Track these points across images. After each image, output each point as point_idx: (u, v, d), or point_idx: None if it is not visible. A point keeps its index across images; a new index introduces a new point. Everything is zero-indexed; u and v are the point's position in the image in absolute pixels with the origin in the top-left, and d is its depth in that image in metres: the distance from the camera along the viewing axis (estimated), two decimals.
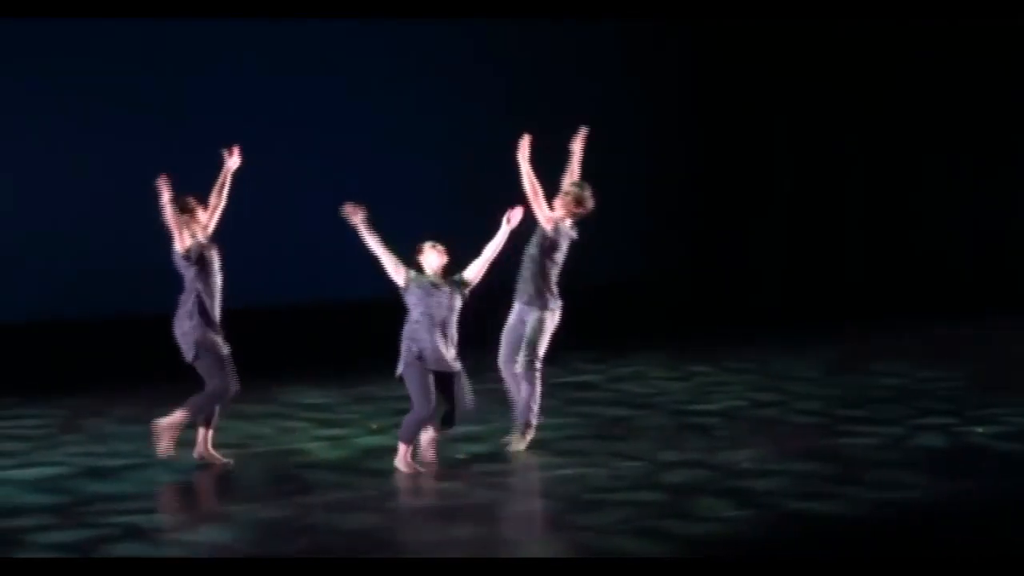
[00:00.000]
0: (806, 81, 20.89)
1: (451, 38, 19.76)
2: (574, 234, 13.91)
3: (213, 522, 11.76)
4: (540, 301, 13.76)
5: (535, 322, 13.80)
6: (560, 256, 13.80)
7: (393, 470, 12.97)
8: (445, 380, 13.19)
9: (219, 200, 13.57)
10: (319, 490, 12.51)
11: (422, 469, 12.87)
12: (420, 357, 13.20)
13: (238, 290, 16.18)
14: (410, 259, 13.26)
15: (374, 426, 14.66)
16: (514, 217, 13.29)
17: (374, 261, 13.45)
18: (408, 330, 13.44)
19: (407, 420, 13.12)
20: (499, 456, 13.54)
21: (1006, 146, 21.84)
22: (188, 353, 13.27)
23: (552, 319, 13.84)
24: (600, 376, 16.86)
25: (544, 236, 13.75)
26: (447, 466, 13.13)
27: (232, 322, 15.38)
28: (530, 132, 13.73)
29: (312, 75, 19.19)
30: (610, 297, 19.71)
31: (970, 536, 11.27)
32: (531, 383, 13.81)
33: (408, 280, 13.45)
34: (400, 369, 13.27)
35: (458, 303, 13.39)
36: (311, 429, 14.58)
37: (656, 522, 11.52)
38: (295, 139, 18.91)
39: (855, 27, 20.64)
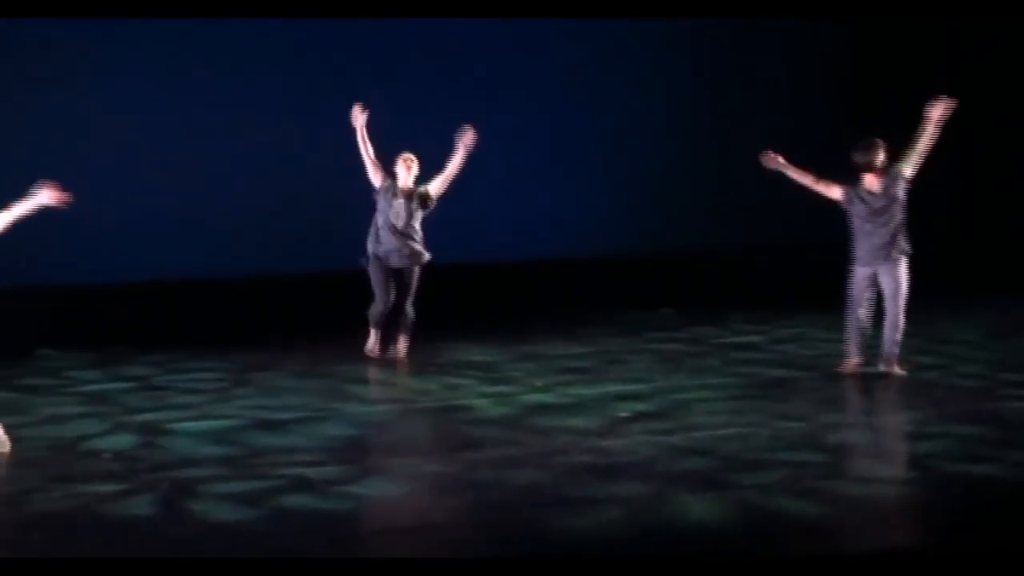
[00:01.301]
0: (964, 78, 20.73)
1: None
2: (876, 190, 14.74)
3: (381, 475, 11.87)
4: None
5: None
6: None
7: (557, 428, 13.05)
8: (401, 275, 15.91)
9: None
10: (485, 446, 12.58)
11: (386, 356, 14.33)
12: (378, 256, 15.79)
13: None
14: None
15: (538, 384, 14.70)
16: (468, 139, 15.90)
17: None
18: (372, 231, 15.95)
19: (370, 310, 15.77)
20: (661, 415, 13.56)
21: None
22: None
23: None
24: (762, 337, 16.83)
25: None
26: (610, 424, 13.17)
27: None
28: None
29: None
30: (775, 258, 19.67)
31: None
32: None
33: (382, 186, 15.95)
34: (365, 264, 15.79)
35: (418, 212, 15.95)
36: (477, 386, 14.64)
37: (816, 483, 11.51)
38: (488, 111, 18.95)
39: None
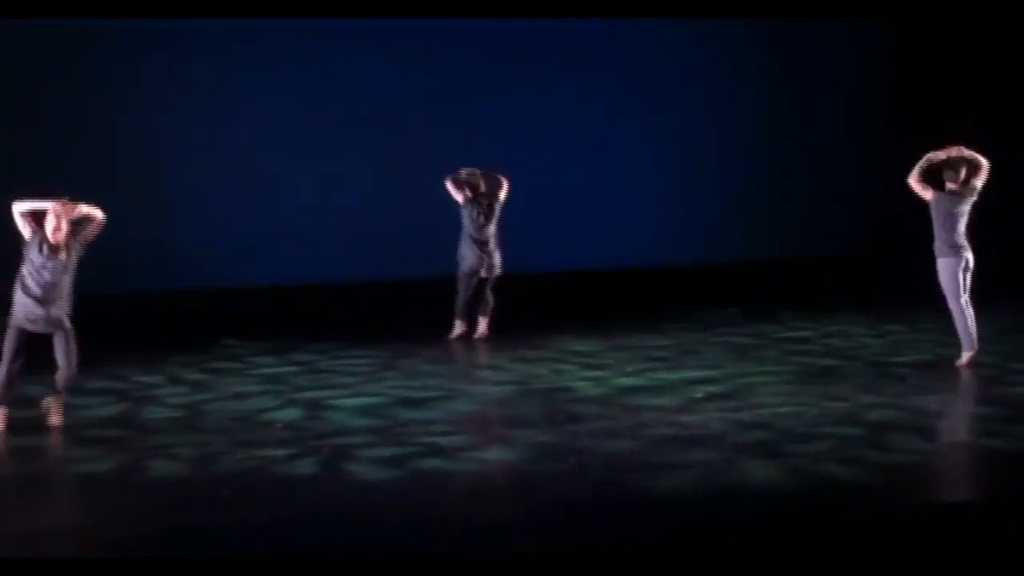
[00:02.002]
0: (980, 84, 20.25)
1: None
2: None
3: (500, 444, 11.87)
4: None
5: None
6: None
7: (643, 406, 13.00)
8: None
9: None
10: (584, 420, 12.54)
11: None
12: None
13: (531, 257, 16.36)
14: None
15: (629, 370, 14.64)
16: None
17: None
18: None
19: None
20: (729, 395, 13.47)
21: None
22: None
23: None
24: (812, 332, 16.70)
25: None
26: (687, 403, 13.10)
27: (521, 285, 15.57)
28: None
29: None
30: (822, 269, 19.51)
31: None
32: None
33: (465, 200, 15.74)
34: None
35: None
36: (578, 371, 14.59)
37: (858, 452, 11.42)
38: (586, 125, 18.75)
39: None
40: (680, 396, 13.38)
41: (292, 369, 14.74)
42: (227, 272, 16.91)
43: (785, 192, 19.74)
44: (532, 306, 16.38)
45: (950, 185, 14.42)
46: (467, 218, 15.97)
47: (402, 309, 17.09)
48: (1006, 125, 20.33)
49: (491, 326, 16.21)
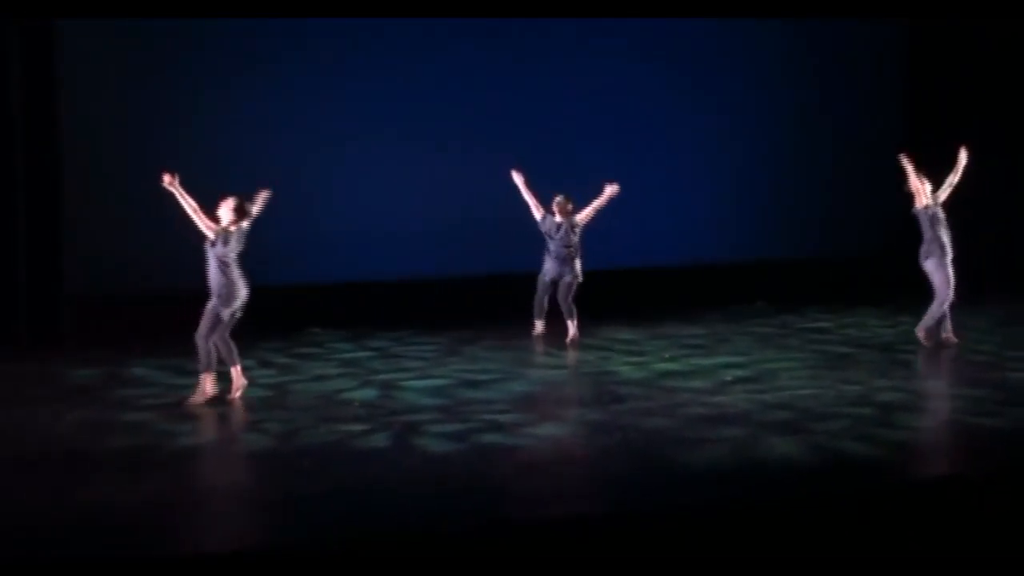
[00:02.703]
0: (994, 86, 19.98)
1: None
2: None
3: (552, 420, 11.91)
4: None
5: None
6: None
7: (680, 387, 13.02)
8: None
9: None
10: (627, 400, 12.56)
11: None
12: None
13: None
14: None
15: (666, 356, 14.66)
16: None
17: None
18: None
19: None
20: (756, 378, 13.48)
21: None
22: None
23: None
24: (831, 324, 16.68)
25: None
26: (719, 385, 13.12)
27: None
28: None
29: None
30: (842, 268, 19.40)
31: None
32: None
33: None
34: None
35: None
36: (622, 357, 14.62)
37: (870, 430, 11.41)
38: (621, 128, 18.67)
39: None
40: (712, 379, 13.39)
41: (367, 354, 14.83)
42: (310, 269, 16.97)
43: (809, 195, 19.58)
44: (581, 300, 16.37)
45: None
46: (544, 230, 15.89)
47: (464, 302, 17.13)
48: (1018, 125, 20.14)
49: (579, 330, 15.94)
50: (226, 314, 12.42)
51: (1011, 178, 20.29)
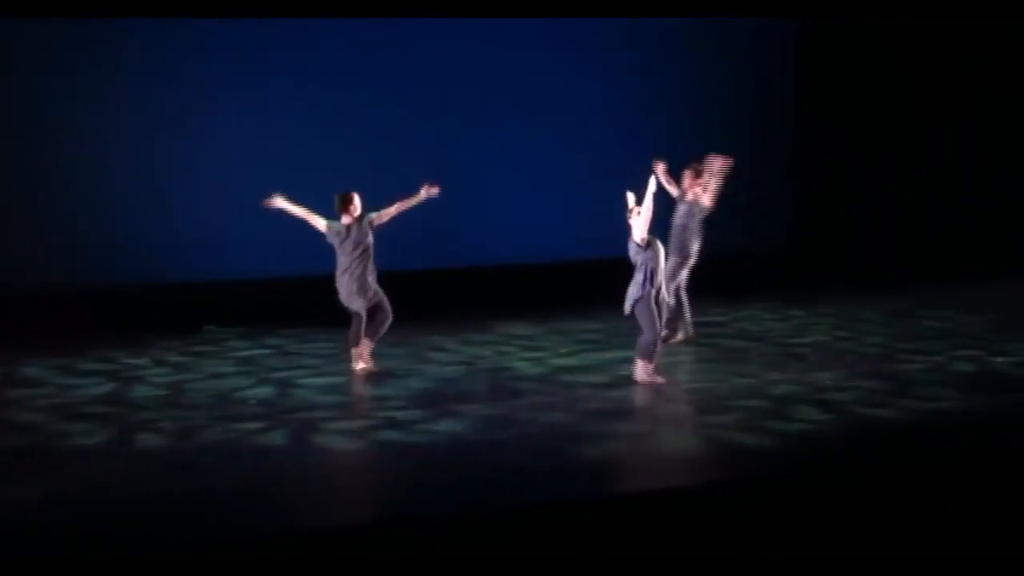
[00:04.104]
0: (883, 85, 20.21)
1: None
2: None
3: (449, 417, 11.90)
4: None
5: None
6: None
7: (577, 382, 13.07)
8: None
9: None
10: (525, 395, 12.60)
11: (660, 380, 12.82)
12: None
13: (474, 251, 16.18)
14: None
15: (564, 350, 14.70)
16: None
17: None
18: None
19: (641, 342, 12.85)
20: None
21: None
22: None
23: None
24: (725, 318, 16.79)
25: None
26: (616, 379, 13.17)
27: (467, 278, 15.54)
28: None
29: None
30: (733, 262, 19.51)
31: (991, 438, 11.18)
32: None
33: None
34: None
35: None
36: (519, 352, 14.64)
37: (764, 422, 11.53)
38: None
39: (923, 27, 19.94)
40: (609, 374, 13.44)
41: (264, 351, 14.74)
42: (205, 266, 16.82)
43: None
44: (476, 296, 16.40)
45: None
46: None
47: None
48: (910, 123, 20.37)
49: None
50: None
51: (899, 174, 20.56)
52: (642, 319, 12.53)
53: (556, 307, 17.10)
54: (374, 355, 13.55)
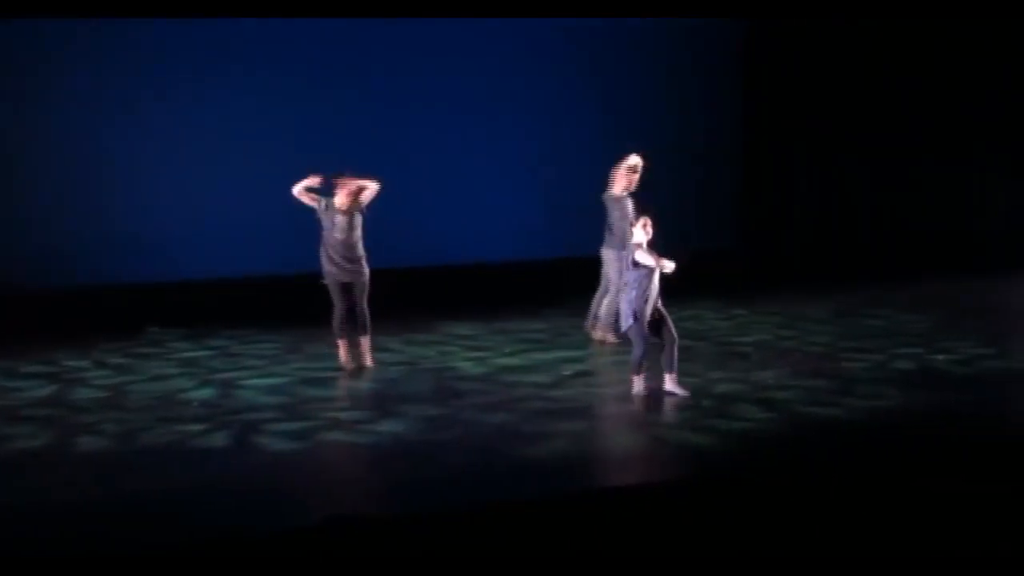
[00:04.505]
0: (829, 84, 20.33)
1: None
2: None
3: (392, 417, 11.89)
4: None
5: None
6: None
7: (520, 382, 13.08)
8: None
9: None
10: (468, 395, 12.61)
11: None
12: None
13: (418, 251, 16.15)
14: None
15: (507, 350, 14.70)
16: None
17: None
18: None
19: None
20: (595, 372, 13.59)
21: (974, 141, 21.24)
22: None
23: None
24: (670, 316, 16.80)
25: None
26: (559, 379, 13.19)
27: (411, 278, 15.50)
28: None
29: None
30: (676, 261, 19.53)
31: (932, 433, 11.26)
32: None
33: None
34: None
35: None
36: (462, 352, 14.63)
37: (708, 421, 11.58)
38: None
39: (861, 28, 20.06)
40: (552, 374, 13.46)
41: (207, 353, 14.66)
42: (147, 267, 16.75)
43: (645, 189, 19.68)
44: (420, 296, 16.40)
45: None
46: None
47: (304, 300, 16.97)
48: (856, 121, 20.49)
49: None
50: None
51: (844, 173, 20.71)
52: (633, 335, 12.41)
53: (500, 307, 17.10)
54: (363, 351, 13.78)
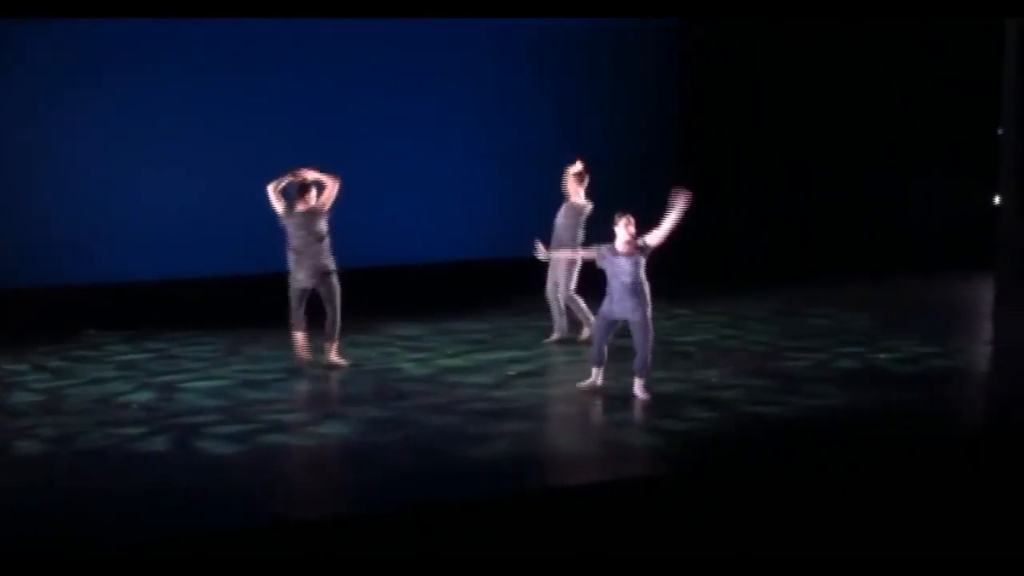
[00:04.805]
0: (767, 84, 20.42)
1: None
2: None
3: (335, 419, 11.82)
4: None
5: None
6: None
7: (463, 383, 13.04)
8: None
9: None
10: (411, 397, 12.54)
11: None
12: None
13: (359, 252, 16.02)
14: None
15: (450, 351, 14.65)
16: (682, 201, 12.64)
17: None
18: None
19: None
20: (539, 373, 13.56)
21: (913, 139, 21.39)
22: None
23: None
24: None
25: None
26: (502, 380, 13.15)
27: (354, 278, 15.36)
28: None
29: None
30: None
31: (875, 432, 11.29)
32: None
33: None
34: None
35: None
36: (405, 353, 14.58)
37: (653, 421, 11.57)
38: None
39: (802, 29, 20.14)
40: (496, 374, 13.42)
41: (146, 355, 14.55)
42: (84, 269, 16.60)
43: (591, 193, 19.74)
44: (362, 297, 16.29)
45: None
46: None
47: (246, 301, 16.89)
48: (796, 120, 20.57)
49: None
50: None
51: (785, 171, 20.76)
52: (646, 334, 12.30)
53: (442, 308, 17.06)
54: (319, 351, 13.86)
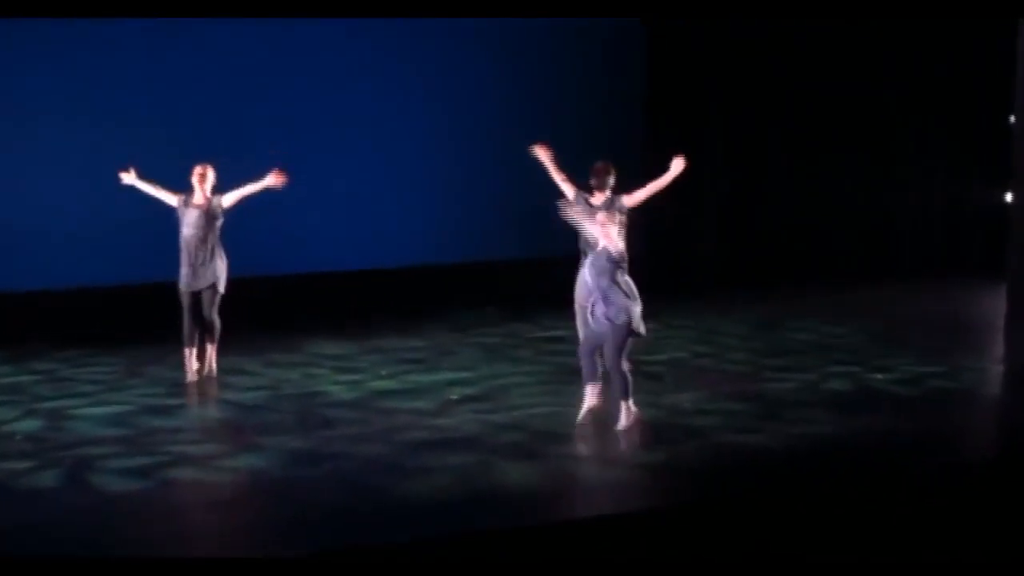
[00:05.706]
0: (736, 85, 20.61)
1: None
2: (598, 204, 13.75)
3: (251, 451, 11.77)
4: None
5: None
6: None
7: (398, 409, 13.03)
8: None
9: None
10: (338, 425, 12.51)
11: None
12: None
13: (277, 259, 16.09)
14: None
15: (383, 372, 14.63)
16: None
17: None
18: None
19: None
20: (484, 397, 13.55)
21: (892, 142, 21.63)
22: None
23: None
24: (568, 331, 16.80)
25: None
26: (442, 405, 13.14)
27: (270, 287, 15.47)
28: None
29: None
30: (575, 270, 19.60)
31: (869, 463, 11.32)
32: None
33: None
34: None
35: None
36: (331, 375, 14.55)
37: (616, 452, 11.60)
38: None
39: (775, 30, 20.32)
40: (435, 399, 13.42)
41: (32, 378, 14.46)
42: None
43: (542, 193, 19.74)
44: (281, 309, 16.28)
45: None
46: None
47: (145, 314, 16.81)
48: (767, 125, 20.74)
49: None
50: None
51: (756, 176, 20.94)
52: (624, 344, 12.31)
53: (373, 322, 17.05)
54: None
